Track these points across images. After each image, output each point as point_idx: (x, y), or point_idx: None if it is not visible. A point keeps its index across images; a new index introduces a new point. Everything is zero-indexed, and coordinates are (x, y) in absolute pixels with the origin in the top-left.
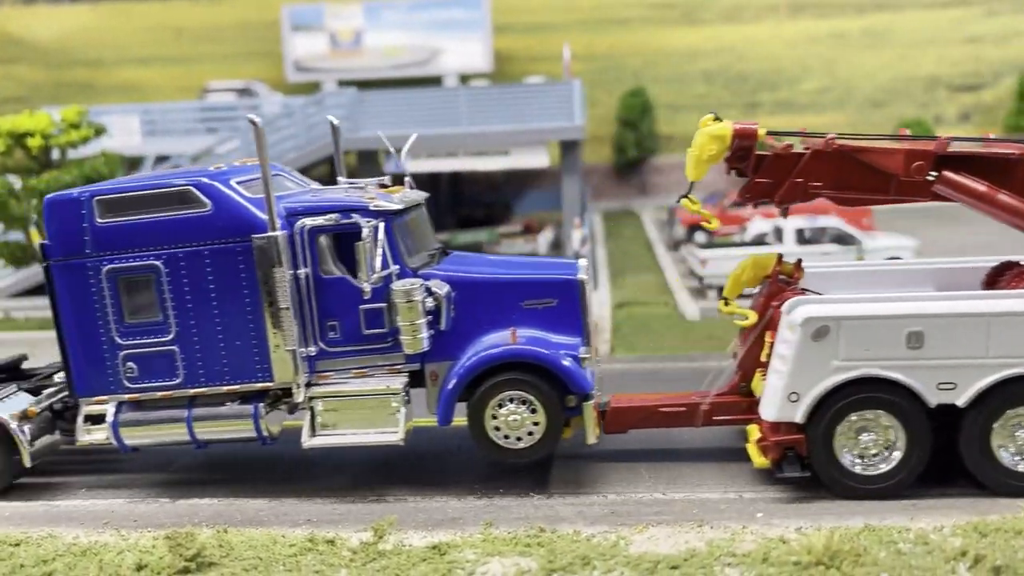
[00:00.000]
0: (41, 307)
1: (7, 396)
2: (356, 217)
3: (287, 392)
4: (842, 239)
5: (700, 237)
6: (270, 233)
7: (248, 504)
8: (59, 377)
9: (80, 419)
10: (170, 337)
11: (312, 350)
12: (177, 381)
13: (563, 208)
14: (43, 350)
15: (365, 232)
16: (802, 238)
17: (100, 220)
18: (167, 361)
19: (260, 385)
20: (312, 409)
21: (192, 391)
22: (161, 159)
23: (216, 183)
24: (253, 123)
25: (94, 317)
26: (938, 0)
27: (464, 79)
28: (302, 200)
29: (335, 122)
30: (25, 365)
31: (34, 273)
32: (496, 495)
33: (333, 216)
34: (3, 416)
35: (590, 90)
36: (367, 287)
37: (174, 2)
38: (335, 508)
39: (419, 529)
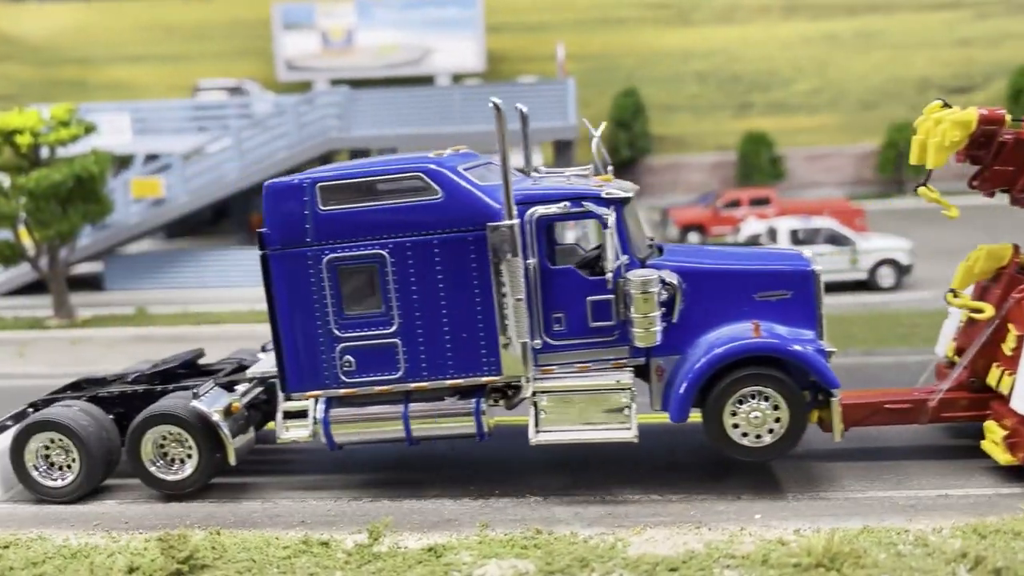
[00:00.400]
0: (30, 306)
1: (206, 392)
2: (588, 205)
3: (504, 387)
4: (836, 240)
5: (693, 238)
6: (507, 222)
7: (241, 506)
8: (251, 371)
9: (279, 415)
10: (392, 329)
11: (537, 343)
12: (398, 375)
13: None
14: (34, 350)
15: (610, 220)
16: (796, 239)
17: (323, 207)
18: (388, 354)
19: (486, 379)
20: (536, 404)
21: (413, 385)
22: (151, 157)
23: (446, 170)
24: (496, 106)
25: (311, 309)
26: (929, 2)
27: (457, 79)
28: (529, 188)
29: (524, 110)
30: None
31: (23, 272)
32: (492, 496)
33: (565, 204)
34: (210, 412)
35: (583, 90)
36: (610, 276)
37: (165, 0)
38: (330, 509)
39: (414, 531)
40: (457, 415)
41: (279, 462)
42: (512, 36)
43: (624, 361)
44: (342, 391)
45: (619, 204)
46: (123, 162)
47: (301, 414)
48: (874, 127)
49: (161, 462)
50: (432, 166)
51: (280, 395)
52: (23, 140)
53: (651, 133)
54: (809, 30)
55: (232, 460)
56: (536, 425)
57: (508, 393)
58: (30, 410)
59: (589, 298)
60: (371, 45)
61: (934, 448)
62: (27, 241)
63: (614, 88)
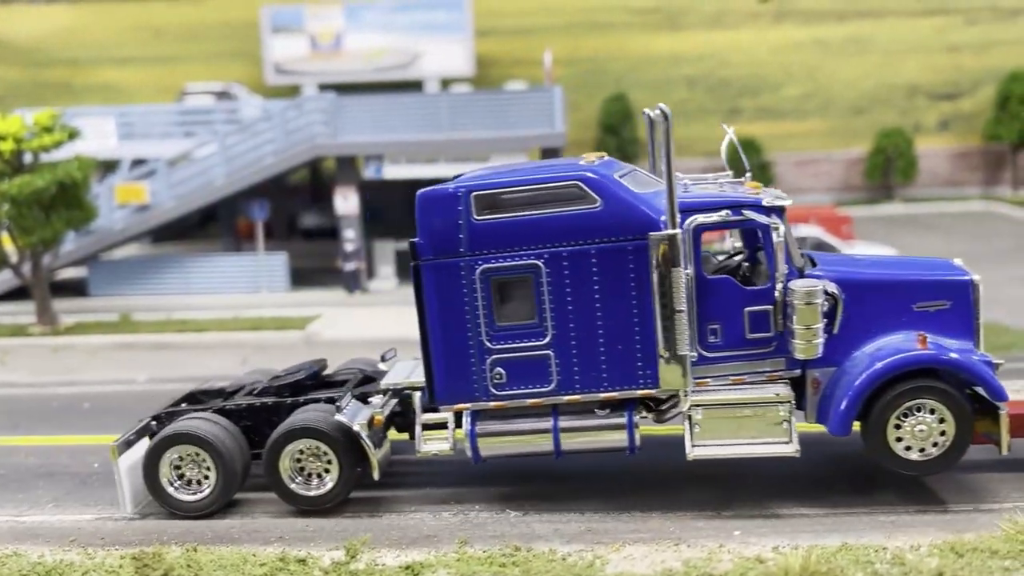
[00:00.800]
0: (12, 313)
1: (346, 405)
2: (749, 213)
3: (653, 399)
4: (822, 248)
5: None
6: (671, 231)
7: (219, 521)
8: (385, 382)
9: (418, 428)
10: (546, 341)
11: (693, 355)
12: (550, 388)
13: None
14: (16, 357)
15: (780, 229)
16: None
17: (477, 217)
18: (540, 366)
19: (641, 392)
20: (690, 418)
21: (566, 398)
22: (138, 162)
23: (604, 178)
24: (663, 112)
25: (463, 320)
26: (919, 9)
27: (446, 83)
28: (686, 196)
29: (652, 115)
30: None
31: (6, 279)
32: (472, 511)
33: (725, 212)
34: (353, 425)
35: (572, 95)
36: (779, 287)
37: (153, 2)
38: (308, 525)
39: (392, 547)
40: (609, 428)
41: (253, 476)
42: (501, 40)
43: (780, 373)
44: (492, 404)
45: (780, 212)
46: (109, 167)
47: (439, 426)
48: (863, 133)
49: (300, 477)
50: (590, 174)
51: (417, 407)
52: (5, 146)
53: (640, 138)
54: (799, 35)
55: (376, 474)
56: (691, 439)
57: (655, 406)
58: (154, 423)
59: (747, 309)
60: (360, 49)
61: None
62: (9, 247)
63: (603, 93)
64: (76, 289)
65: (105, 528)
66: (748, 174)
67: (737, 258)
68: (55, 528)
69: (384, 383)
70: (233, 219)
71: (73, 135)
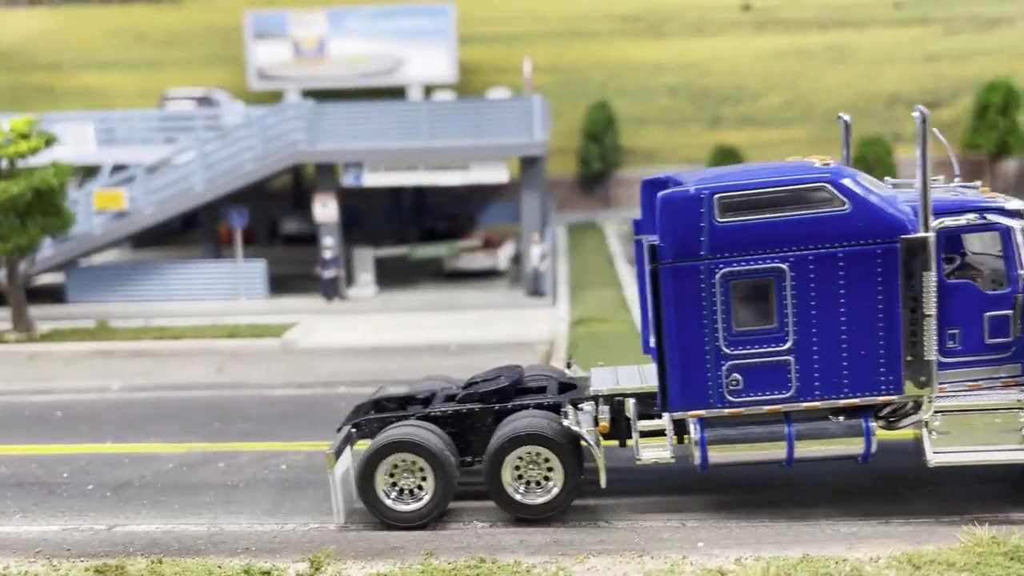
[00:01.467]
0: None
1: (565, 411)
2: (993, 217)
3: (883, 406)
4: None
5: None
6: (924, 234)
7: (186, 531)
8: (594, 389)
9: (635, 435)
10: (786, 346)
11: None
12: (788, 394)
13: (522, 223)
14: None
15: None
16: None
17: (720, 219)
18: (779, 372)
19: (882, 399)
20: (927, 424)
21: (804, 405)
22: (118, 168)
23: (851, 181)
24: (922, 114)
25: (700, 325)
26: (899, 19)
27: (429, 89)
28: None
29: (847, 119)
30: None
31: None
32: (439, 522)
33: (970, 216)
34: (583, 432)
35: (555, 102)
36: (1008, 291)
37: (136, 6)
38: (275, 536)
39: (358, 559)
40: (845, 435)
41: (223, 486)
42: (484, 47)
43: (1015, 379)
44: (727, 411)
45: (1021, 216)
46: (89, 172)
47: (656, 434)
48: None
49: (522, 485)
50: (841, 177)
51: (632, 414)
52: None
53: (622, 146)
54: (780, 44)
55: (603, 481)
56: (931, 446)
57: (884, 412)
58: (354, 431)
59: (987, 314)
60: (343, 55)
61: (880, 473)
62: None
63: (586, 100)
64: (53, 295)
65: (71, 539)
66: (957, 178)
67: (956, 264)
68: (21, 539)
69: (593, 390)
70: (214, 225)
71: (50, 141)
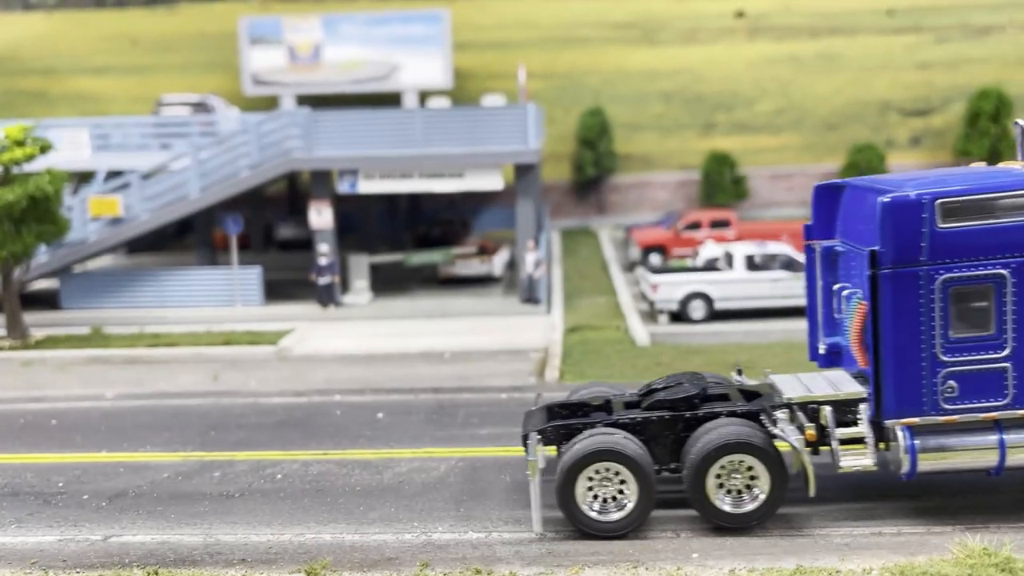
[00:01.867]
0: None
1: (774, 418)
2: None
3: None
4: (791, 265)
5: (655, 259)
6: None
7: (182, 541)
8: (789, 396)
9: (834, 443)
10: (1004, 353)
11: None
12: (1004, 401)
13: (517, 231)
14: None
15: None
16: (752, 264)
17: (941, 225)
18: (996, 380)
19: None
20: None
21: (1021, 412)
22: (113, 174)
23: None
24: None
25: (917, 331)
26: (890, 26)
27: (424, 95)
28: None
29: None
30: None
31: None
32: (435, 533)
33: None
34: (794, 441)
35: (549, 108)
36: None
37: (130, 11)
38: (271, 546)
39: (354, 570)
40: None
41: (219, 496)
42: (479, 53)
43: None
44: (942, 419)
45: None
46: (84, 178)
47: (855, 441)
48: (836, 148)
49: (729, 494)
50: None
51: (830, 422)
52: None
53: (616, 152)
54: (772, 51)
55: (812, 491)
56: None
57: None
58: (538, 437)
59: None
60: (338, 61)
61: (875, 485)
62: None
63: (580, 107)
64: (48, 301)
65: (67, 550)
66: None
67: None
68: (17, 550)
69: (787, 397)
70: (209, 231)
71: (45, 148)
